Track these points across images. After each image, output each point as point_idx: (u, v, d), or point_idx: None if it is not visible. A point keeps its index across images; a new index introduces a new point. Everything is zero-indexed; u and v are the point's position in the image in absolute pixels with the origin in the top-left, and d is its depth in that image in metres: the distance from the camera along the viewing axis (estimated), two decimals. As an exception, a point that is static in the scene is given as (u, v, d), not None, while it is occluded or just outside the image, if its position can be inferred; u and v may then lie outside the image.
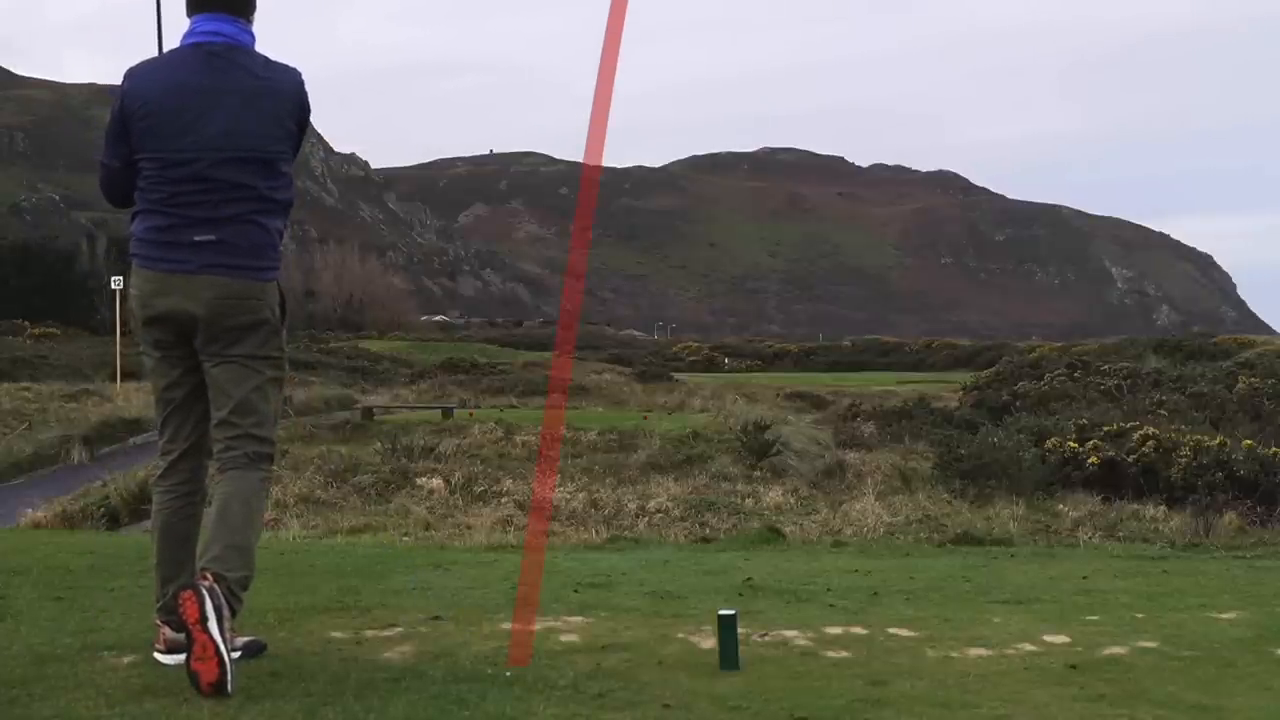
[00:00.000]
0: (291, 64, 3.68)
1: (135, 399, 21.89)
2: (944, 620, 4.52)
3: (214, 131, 3.50)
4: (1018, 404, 20.96)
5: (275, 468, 3.88)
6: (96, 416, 19.17)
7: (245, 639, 3.66)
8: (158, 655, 3.60)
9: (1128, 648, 4.02)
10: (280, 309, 3.69)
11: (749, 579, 5.61)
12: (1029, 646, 4.02)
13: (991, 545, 8.78)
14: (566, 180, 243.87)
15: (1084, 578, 5.85)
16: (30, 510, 11.61)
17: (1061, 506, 12.42)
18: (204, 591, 3.19)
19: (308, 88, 3.70)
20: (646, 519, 11.67)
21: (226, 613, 3.22)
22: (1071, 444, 14.22)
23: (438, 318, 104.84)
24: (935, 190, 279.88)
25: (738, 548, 8.08)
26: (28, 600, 4.62)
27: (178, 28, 3.67)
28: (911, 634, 4.22)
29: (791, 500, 12.83)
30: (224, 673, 3.12)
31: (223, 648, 3.13)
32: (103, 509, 11.91)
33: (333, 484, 13.36)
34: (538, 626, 4.24)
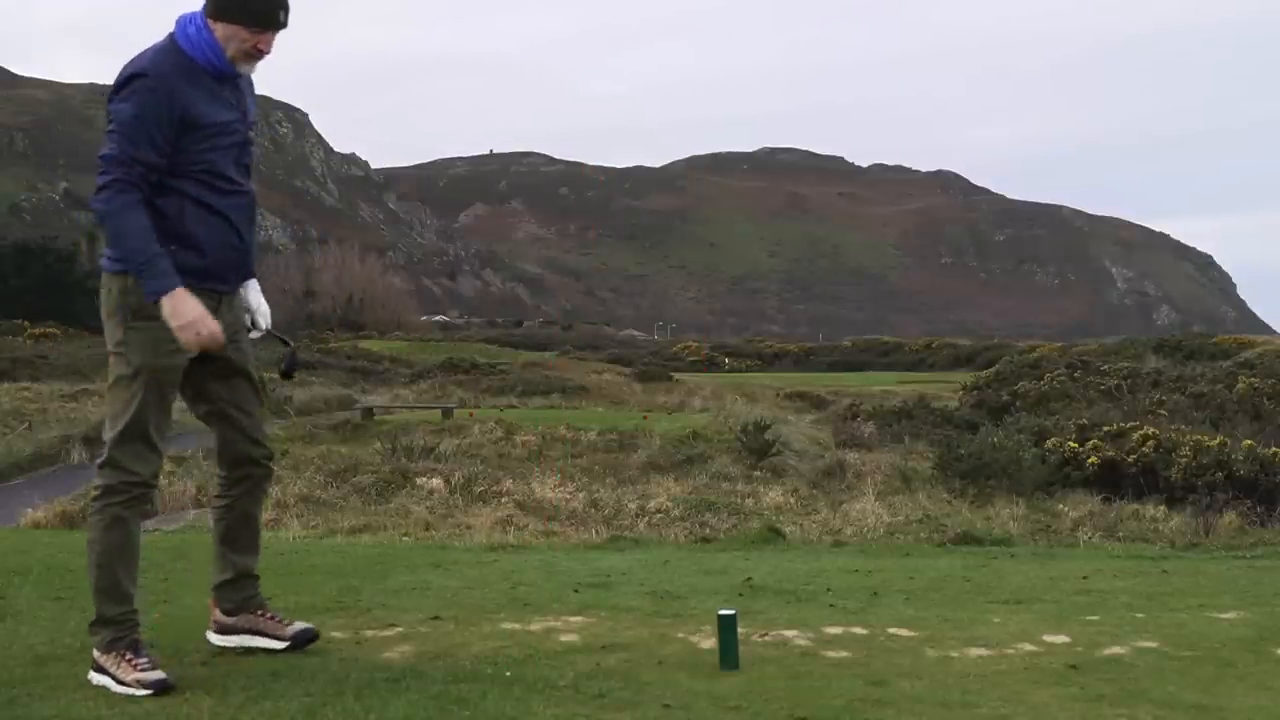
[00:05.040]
0: (146, 50, 3.50)
1: (135, 399, 21.86)
2: (944, 620, 4.52)
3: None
4: (1018, 404, 20.95)
5: (106, 482, 3.46)
6: (96, 416, 19.16)
7: (298, 627, 3.74)
8: (210, 636, 3.74)
9: (1128, 648, 4.01)
10: (121, 301, 3.46)
11: (749, 579, 5.61)
12: (1029, 646, 4.02)
13: (991, 545, 8.77)
14: (566, 180, 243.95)
15: (1084, 578, 5.84)
16: (30, 510, 11.61)
17: (1061, 506, 12.41)
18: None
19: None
20: (646, 519, 11.66)
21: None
22: (1071, 444, 14.21)
23: (438, 318, 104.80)
24: (935, 190, 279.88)
25: (738, 548, 8.07)
26: (28, 600, 4.62)
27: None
28: (911, 634, 4.21)
29: (791, 500, 12.82)
30: None
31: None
32: (103, 509, 11.88)
33: (333, 484, 13.36)
34: (538, 626, 4.25)
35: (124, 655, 3.35)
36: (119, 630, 3.39)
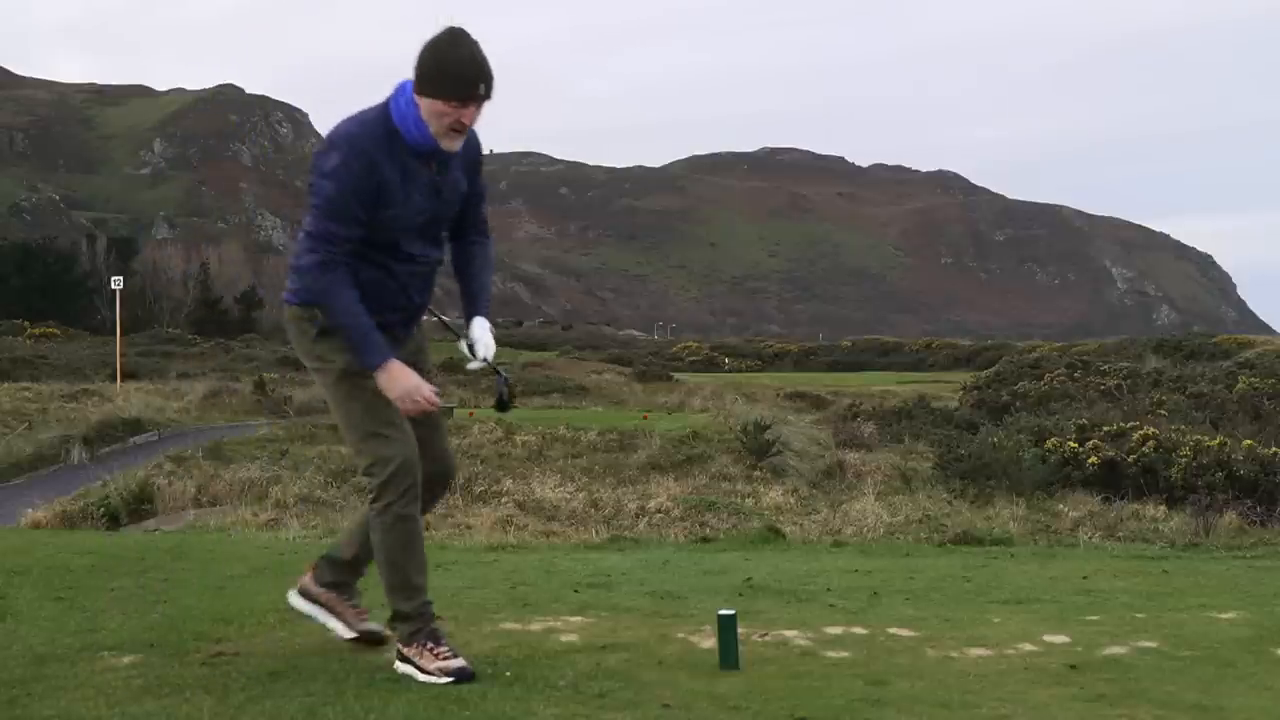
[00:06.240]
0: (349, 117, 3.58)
1: (135, 399, 21.89)
2: (944, 620, 4.52)
3: None
4: (1018, 404, 20.97)
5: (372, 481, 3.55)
6: (96, 416, 19.19)
7: (371, 626, 3.76)
8: (289, 595, 3.89)
9: (1128, 648, 4.01)
10: (302, 328, 3.61)
11: (749, 579, 5.61)
12: (1029, 646, 4.02)
13: (991, 545, 8.77)
14: (566, 180, 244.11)
15: (1084, 578, 5.85)
16: (30, 510, 11.61)
17: (1061, 506, 12.42)
18: None
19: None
20: (646, 519, 11.66)
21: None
22: (1071, 444, 14.22)
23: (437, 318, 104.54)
24: (935, 190, 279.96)
25: (738, 548, 8.06)
26: (28, 600, 4.62)
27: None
28: (911, 634, 4.21)
29: (791, 500, 12.83)
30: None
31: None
32: (103, 509, 11.91)
33: (333, 484, 13.36)
34: (538, 626, 4.24)
35: (425, 645, 3.47)
36: (416, 623, 3.51)
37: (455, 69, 3.37)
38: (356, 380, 3.52)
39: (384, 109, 3.46)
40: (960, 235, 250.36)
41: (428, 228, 3.59)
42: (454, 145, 3.46)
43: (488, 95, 3.43)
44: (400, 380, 3.45)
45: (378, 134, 3.43)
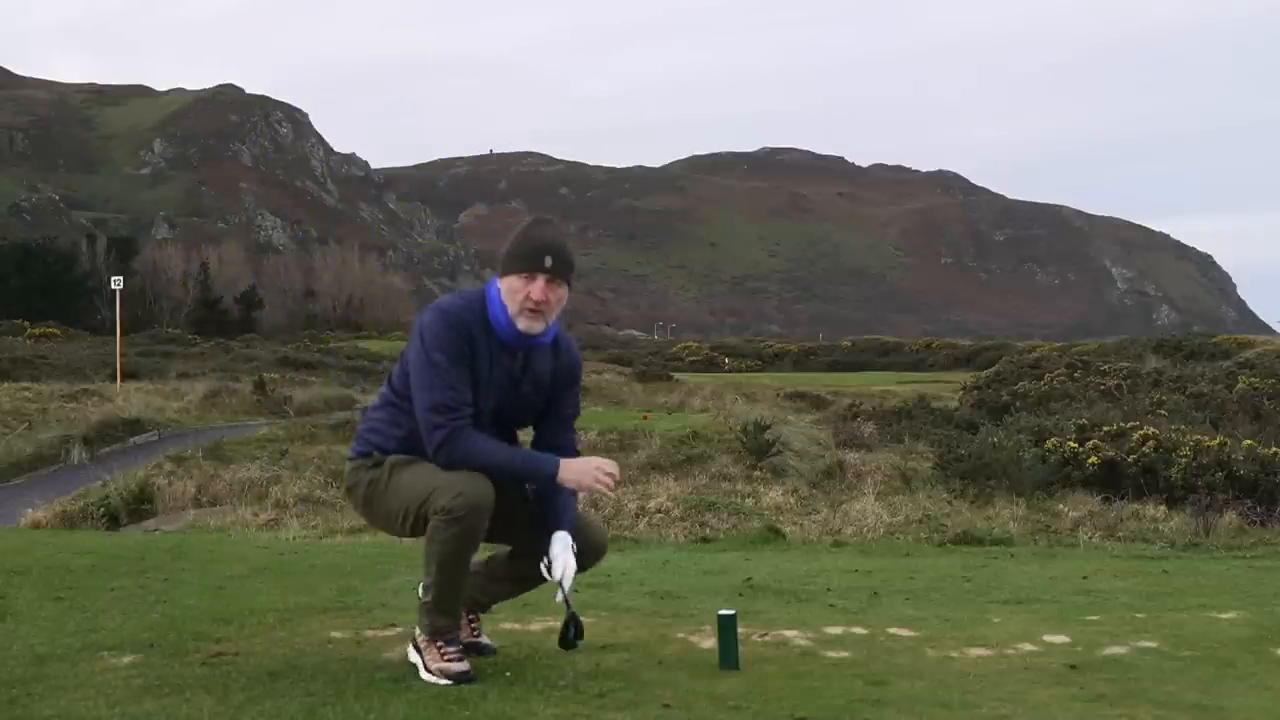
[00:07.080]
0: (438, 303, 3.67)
1: (135, 399, 21.90)
2: (944, 620, 4.52)
3: None
4: (1018, 404, 20.94)
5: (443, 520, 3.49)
6: (96, 416, 19.20)
7: (479, 640, 3.82)
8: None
9: (1128, 648, 4.01)
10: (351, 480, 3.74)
11: (749, 579, 5.62)
12: (1029, 646, 4.02)
13: (991, 545, 8.77)
14: (566, 180, 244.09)
15: (1084, 578, 5.85)
16: (30, 510, 11.61)
17: (1061, 506, 12.40)
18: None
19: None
20: (646, 519, 11.64)
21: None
22: (1071, 444, 14.20)
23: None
24: (935, 190, 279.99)
25: (738, 548, 8.07)
26: (28, 600, 4.63)
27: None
28: (911, 634, 4.21)
29: (791, 500, 12.80)
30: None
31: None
32: (103, 509, 11.91)
33: (333, 484, 13.33)
34: (538, 626, 4.25)
35: (437, 643, 3.50)
36: (446, 622, 3.53)
37: (525, 243, 3.49)
38: (405, 460, 3.57)
39: (484, 292, 3.56)
40: (960, 235, 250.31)
41: (500, 415, 3.60)
42: (532, 326, 3.49)
43: (557, 271, 3.47)
44: (577, 471, 3.52)
45: (475, 309, 3.53)
